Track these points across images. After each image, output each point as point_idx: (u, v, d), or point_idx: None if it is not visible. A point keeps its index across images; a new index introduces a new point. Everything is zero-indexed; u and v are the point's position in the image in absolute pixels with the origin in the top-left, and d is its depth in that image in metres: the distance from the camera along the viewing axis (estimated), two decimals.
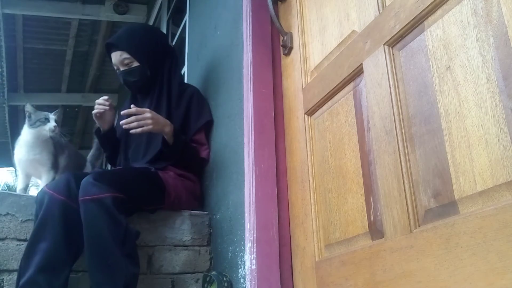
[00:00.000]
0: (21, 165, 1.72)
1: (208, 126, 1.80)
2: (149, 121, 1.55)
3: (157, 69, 1.82)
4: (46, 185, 1.37)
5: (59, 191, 1.33)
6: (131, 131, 1.56)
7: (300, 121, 1.39)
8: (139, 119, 1.55)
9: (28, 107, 1.72)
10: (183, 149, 1.66)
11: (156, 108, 1.73)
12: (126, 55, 1.75)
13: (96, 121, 1.78)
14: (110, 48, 1.80)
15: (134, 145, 1.79)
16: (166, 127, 1.61)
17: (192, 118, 1.77)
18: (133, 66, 1.76)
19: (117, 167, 1.85)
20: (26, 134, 1.70)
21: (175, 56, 1.90)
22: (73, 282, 1.34)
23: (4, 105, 4.81)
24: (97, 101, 1.74)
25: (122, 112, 1.58)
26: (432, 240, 0.86)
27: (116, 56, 1.76)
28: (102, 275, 1.23)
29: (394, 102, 1.01)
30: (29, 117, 1.71)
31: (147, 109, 1.59)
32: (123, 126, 1.56)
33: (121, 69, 1.77)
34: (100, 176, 1.36)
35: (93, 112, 1.74)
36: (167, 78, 1.82)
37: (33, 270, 1.21)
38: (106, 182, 1.33)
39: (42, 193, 1.35)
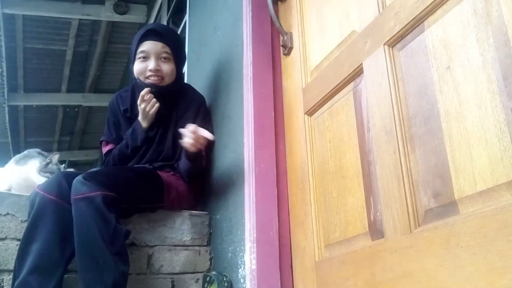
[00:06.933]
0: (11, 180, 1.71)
1: None
2: (202, 141, 1.50)
3: (180, 77, 1.79)
4: (38, 186, 1.36)
5: (50, 191, 1.32)
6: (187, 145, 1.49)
7: (300, 121, 1.39)
8: (197, 139, 1.48)
9: (55, 158, 1.70)
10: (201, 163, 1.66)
11: (168, 114, 1.72)
12: (167, 49, 1.70)
13: (148, 117, 1.67)
14: (149, 35, 1.71)
15: (144, 148, 1.73)
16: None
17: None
18: (167, 63, 1.70)
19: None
20: (29, 171, 1.68)
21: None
22: (71, 282, 1.34)
23: (4, 105, 4.81)
24: (146, 98, 1.63)
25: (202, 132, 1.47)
26: (432, 240, 0.86)
27: (156, 46, 1.68)
28: (91, 273, 1.22)
29: (394, 102, 1.01)
30: (47, 164, 1.68)
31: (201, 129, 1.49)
32: (188, 143, 1.46)
33: (153, 60, 1.67)
34: (91, 175, 1.35)
35: (154, 109, 1.65)
36: (182, 89, 1.80)
37: (26, 271, 1.20)
38: (96, 181, 1.32)
39: (34, 194, 1.34)
